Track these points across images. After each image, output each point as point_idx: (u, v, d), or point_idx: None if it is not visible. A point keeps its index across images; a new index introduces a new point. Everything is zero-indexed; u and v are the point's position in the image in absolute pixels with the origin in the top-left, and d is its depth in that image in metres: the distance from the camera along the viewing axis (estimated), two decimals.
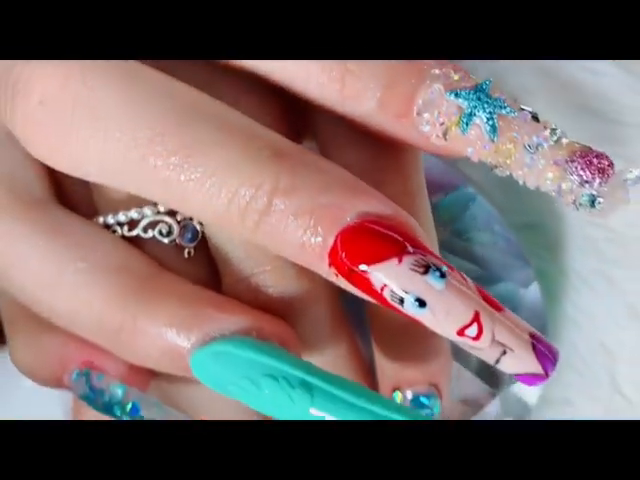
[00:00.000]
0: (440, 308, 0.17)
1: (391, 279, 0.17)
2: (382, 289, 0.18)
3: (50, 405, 0.41)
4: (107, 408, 0.20)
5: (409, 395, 0.22)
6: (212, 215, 0.18)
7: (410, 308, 0.18)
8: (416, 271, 0.18)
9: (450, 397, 0.26)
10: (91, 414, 0.25)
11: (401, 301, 0.18)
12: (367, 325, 0.22)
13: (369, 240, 0.18)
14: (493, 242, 0.25)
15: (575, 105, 0.25)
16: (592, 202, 0.18)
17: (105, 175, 0.18)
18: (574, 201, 0.19)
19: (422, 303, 0.18)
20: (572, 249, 0.26)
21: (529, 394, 0.26)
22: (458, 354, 0.25)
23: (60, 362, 0.21)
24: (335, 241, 0.18)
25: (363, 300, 0.22)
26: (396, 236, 0.18)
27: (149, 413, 0.19)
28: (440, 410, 0.22)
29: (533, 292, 0.25)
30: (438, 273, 0.18)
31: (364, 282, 0.18)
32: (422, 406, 0.22)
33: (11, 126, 0.19)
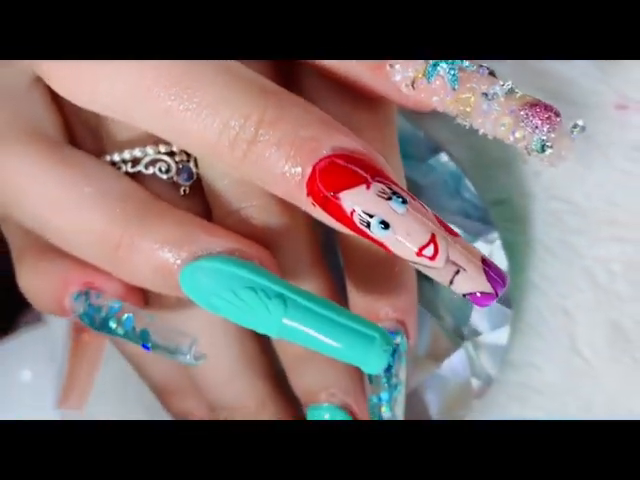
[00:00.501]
0: (401, 230, 0.20)
1: (360, 203, 0.20)
2: (352, 214, 0.20)
3: (45, 400, 0.43)
4: (104, 323, 0.22)
5: None
6: (206, 146, 0.21)
7: (375, 230, 0.20)
8: (381, 197, 0.20)
9: (417, 351, 0.28)
10: (87, 340, 0.27)
11: (368, 225, 0.20)
12: (342, 269, 0.25)
13: (342, 170, 0.20)
14: (462, 208, 0.28)
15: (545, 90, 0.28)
16: (542, 148, 0.21)
17: (117, 107, 0.21)
18: (526, 147, 0.21)
19: (386, 225, 0.20)
20: (537, 222, 0.28)
21: (495, 351, 0.28)
22: (423, 307, 0.27)
23: (62, 283, 0.23)
24: (313, 171, 0.20)
25: (337, 240, 0.24)
26: (365, 166, 0.20)
27: (142, 324, 0.22)
28: (406, 349, 0.24)
29: (499, 256, 0.27)
30: (400, 199, 0.20)
31: (337, 209, 0.20)
32: (396, 351, 0.24)
33: (37, 67, 0.22)
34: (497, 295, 0.20)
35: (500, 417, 0.29)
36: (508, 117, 0.21)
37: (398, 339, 0.24)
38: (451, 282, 0.20)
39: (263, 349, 0.26)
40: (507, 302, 0.28)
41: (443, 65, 0.21)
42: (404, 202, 0.20)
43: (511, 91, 0.21)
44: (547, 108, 0.21)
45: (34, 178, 0.22)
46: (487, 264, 0.20)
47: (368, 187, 0.20)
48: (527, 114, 0.21)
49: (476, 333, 0.28)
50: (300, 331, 0.21)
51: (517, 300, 0.29)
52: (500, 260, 0.28)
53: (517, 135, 0.21)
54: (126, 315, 0.22)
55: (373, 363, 0.20)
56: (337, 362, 0.25)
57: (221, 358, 0.25)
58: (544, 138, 0.21)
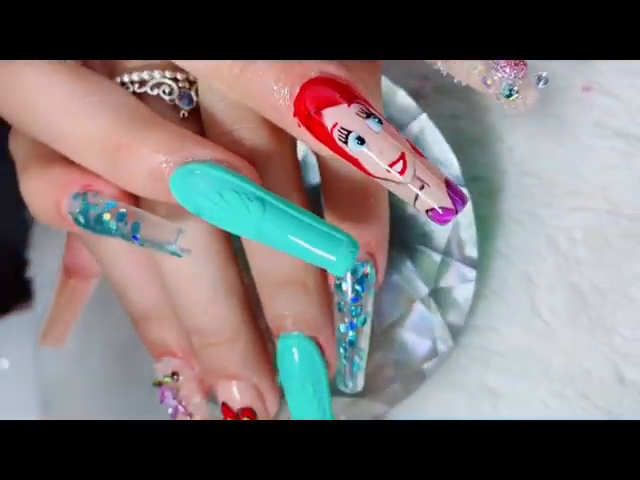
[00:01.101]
0: (375, 146, 0.22)
1: (340, 118, 0.22)
2: (332, 130, 0.22)
3: (25, 390, 0.44)
4: (98, 219, 0.24)
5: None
6: (207, 65, 0.23)
7: (352, 146, 0.22)
8: (360, 115, 0.22)
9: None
10: (73, 285, 0.29)
11: (346, 141, 0.22)
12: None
13: (326, 89, 0.22)
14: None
15: None
16: (510, 92, 0.23)
17: None
18: (496, 93, 0.23)
19: (362, 141, 0.22)
20: (509, 196, 0.31)
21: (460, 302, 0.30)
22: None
23: (62, 185, 0.25)
24: (300, 91, 0.22)
25: (319, 172, 0.26)
26: (348, 90, 0.22)
27: (133, 218, 0.23)
28: (375, 281, 0.26)
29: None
30: (377, 120, 0.22)
31: (319, 127, 0.22)
32: (365, 279, 0.26)
33: None
34: (457, 212, 0.22)
35: (462, 379, 0.31)
36: (481, 64, 0.23)
37: (367, 269, 0.26)
38: (415, 199, 0.22)
39: (242, 279, 0.28)
40: (473, 263, 0.30)
41: None
42: (380, 122, 0.22)
43: None
44: (516, 60, 0.23)
45: (49, 89, 0.25)
46: (449, 185, 0.22)
47: (349, 106, 0.22)
48: (498, 62, 0.23)
49: (442, 290, 0.29)
50: (276, 232, 0.22)
51: (484, 268, 0.31)
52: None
53: (488, 81, 0.23)
54: (120, 210, 0.24)
55: (340, 264, 0.22)
56: (309, 292, 0.26)
57: (202, 279, 0.26)
58: (511, 83, 0.23)
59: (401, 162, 0.22)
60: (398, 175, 0.22)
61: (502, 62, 0.23)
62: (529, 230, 0.30)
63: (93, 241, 0.28)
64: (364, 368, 0.27)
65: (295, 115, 0.23)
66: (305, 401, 0.27)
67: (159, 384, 0.29)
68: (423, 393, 0.30)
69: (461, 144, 0.31)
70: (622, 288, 0.28)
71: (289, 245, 0.23)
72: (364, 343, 0.27)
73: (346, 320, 0.26)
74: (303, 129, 0.23)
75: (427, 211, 0.22)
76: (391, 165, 0.22)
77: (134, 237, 0.23)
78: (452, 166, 0.30)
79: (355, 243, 0.22)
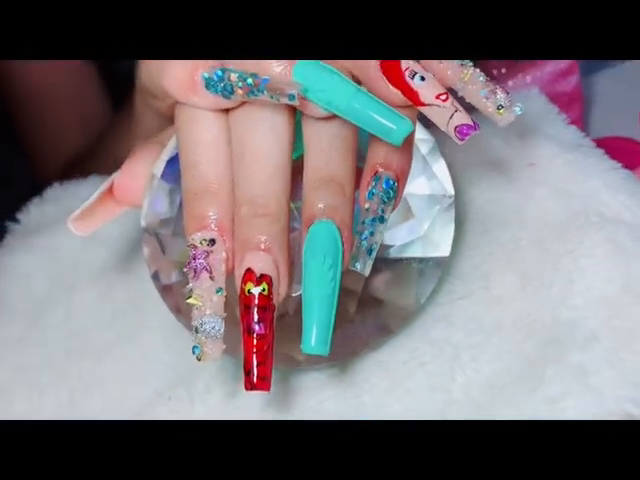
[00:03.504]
0: (430, 82, 0.35)
1: (411, 65, 0.35)
2: (405, 71, 0.35)
3: None
4: (229, 81, 0.34)
5: (383, 177, 0.36)
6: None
7: (416, 81, 0.35)
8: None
9: None
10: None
11: (412, 77, 0.35)
12: None
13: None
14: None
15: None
16: (498, 108, 0.37)
17: None
18: (490, 110, 0.37)
19: (422, 78, 0.35)
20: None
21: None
22: None
23: (197, 63, 0.35)
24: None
25: None
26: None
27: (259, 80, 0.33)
28: (396, 196, 0.36)
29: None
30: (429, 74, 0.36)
31: (398, 71, 0.35)
32: (390, 190, 0.36)
33: None
34: (475, 129, 0.34)
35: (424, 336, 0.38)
36: (485, 88, 0.38)
37: (396, 185, 0.36)
38: (450, 117, 0.34)
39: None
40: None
41: None
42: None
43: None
44: (504, 87, 0.38)
45: None
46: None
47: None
48: (495, 87, 0.38)
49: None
50: (368, 106, 0.33)
51: None
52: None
53: (489, 102, 0.38)
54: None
55: (398, 132, 0.33)
56: (345, 196, 0.35)
57: (273, 155, 0.34)
58: (502, 102, 0.37)
59: (445, 95, 0.35)
60: (441, 102, 0.35)
61: (498, 87, 0.38)
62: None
63: (181, 111, 0.36)
64: (373, 259, 0.35)
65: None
66: (322, 272, 0.34)
67: (194, 247, 0.35)
68: None
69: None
70: None
71: (365, 115, 0.33)
72: (379, 237, 0.35)
73: (370, 216, 0.35)
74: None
75: (456, 127, 0.34)
76: (438, 96, 0.35)
77: (257, 89, 0.33)
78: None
79: (411, 123, 0.33)
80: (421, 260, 0.39)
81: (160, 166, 0.40)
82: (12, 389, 0.41)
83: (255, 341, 0.34)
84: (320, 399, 0.38)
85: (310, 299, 0.34)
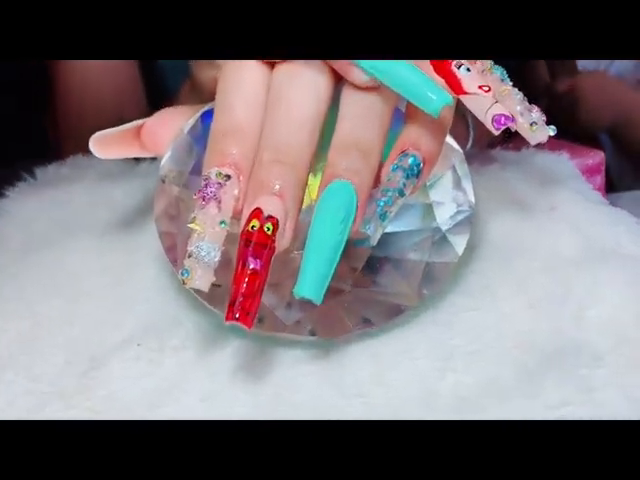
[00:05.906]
0: (475, 73, 0.36)
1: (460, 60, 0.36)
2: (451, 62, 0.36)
3: None
4: None
5: (410, 154, 0.35)
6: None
7: (462, 71, 0.36)
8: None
9: None
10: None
11: (459, 68, 0.36)
12: None
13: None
14: None
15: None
16: (532, 125, 0.38)
17: None
18: (524, 126, 0.38)
19: (468, 69, 0.36)
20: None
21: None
22: None
23: None
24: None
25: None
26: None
27: None
28: (420, 176, 0.35)
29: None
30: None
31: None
32: (414, 167, 0.35)
33: None
34: (513, 119, 0.34)
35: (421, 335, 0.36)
36: (521, 105, 0.39)
37: (421, 166, 0.35)
38: (490, 107, 0.35)
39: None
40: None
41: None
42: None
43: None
44: (540, 107, 0.39)
45: None
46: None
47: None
48: (531, 105, 0.39)
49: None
50: (412, 73, 0.34)
51: None
52: None
53: (523, 118, 0.38)
54: None
55: (437, 102, 0.33)
56: (368, 163, 0.35)
57: (305, 105, 0.34)
58: (536, 119, 0.38)
59: (487, 87, 0.36)
60: (484, 92, 0.35)
61: (534, 107, 0.38)
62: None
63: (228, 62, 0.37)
64: (384, 228, 0.34)
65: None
66: (333, 222, 0.33)
67: (207, 178, 0.34)
68: None
69: None
70: None
71: (407, 81, 0.34)
72: (395, 209, 0.34)
73: (391, 186, 0.35)
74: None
75: (493, 117, 0.35)
76: (481, 87, 0.35)
77: None
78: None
79: (451, 97, 0.34)
80: (428, 263, 0.38)
81: (190, 123, 0.40)
82: None
83: (247, 276, 0.32)
84: (301, 372, 0.35)
85: (315, 243, 0.33)
